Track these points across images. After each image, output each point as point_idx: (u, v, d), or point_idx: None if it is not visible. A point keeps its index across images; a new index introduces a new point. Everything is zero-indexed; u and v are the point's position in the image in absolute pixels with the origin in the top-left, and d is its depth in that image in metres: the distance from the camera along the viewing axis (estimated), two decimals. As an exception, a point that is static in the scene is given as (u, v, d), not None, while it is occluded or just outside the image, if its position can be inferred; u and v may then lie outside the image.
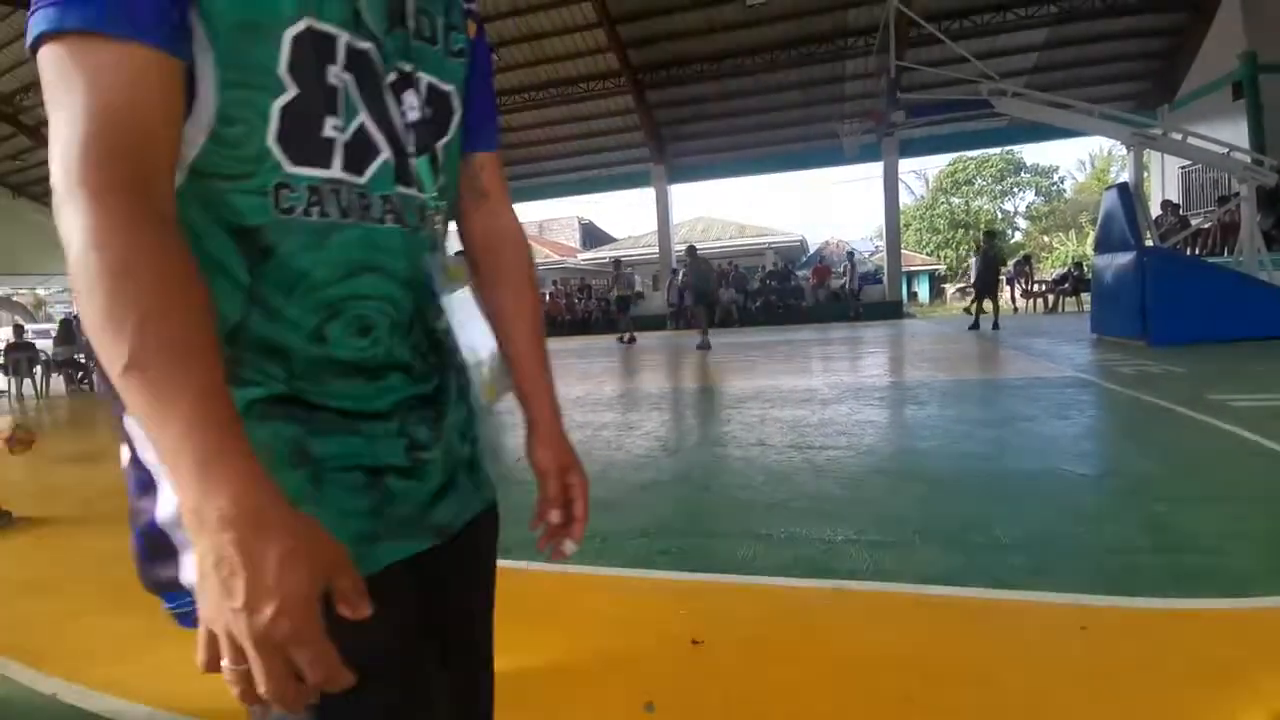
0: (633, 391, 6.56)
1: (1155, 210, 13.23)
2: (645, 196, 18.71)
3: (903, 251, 20.50)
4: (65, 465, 4.98)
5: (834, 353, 9.20)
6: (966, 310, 10.99)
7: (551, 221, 34.17)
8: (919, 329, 12.90)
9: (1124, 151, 19.94)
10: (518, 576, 2.13)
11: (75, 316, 14.48)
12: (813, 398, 5.31)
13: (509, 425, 4.07)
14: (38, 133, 18.63)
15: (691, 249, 12.33)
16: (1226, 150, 8.18)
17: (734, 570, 2.15)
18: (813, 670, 1.60)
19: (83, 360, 11.47)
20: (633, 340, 13.35)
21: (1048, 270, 25.41)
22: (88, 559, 2.75)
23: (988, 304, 11.25)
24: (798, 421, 4.39)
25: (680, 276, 14.90)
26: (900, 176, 18.05)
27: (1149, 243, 7.95)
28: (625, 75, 14.95)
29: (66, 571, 2.64)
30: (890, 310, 16.60)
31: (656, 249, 18.97)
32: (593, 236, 34.30)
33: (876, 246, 29.15)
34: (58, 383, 11.51)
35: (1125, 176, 19.50)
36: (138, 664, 1.79)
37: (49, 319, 23.41)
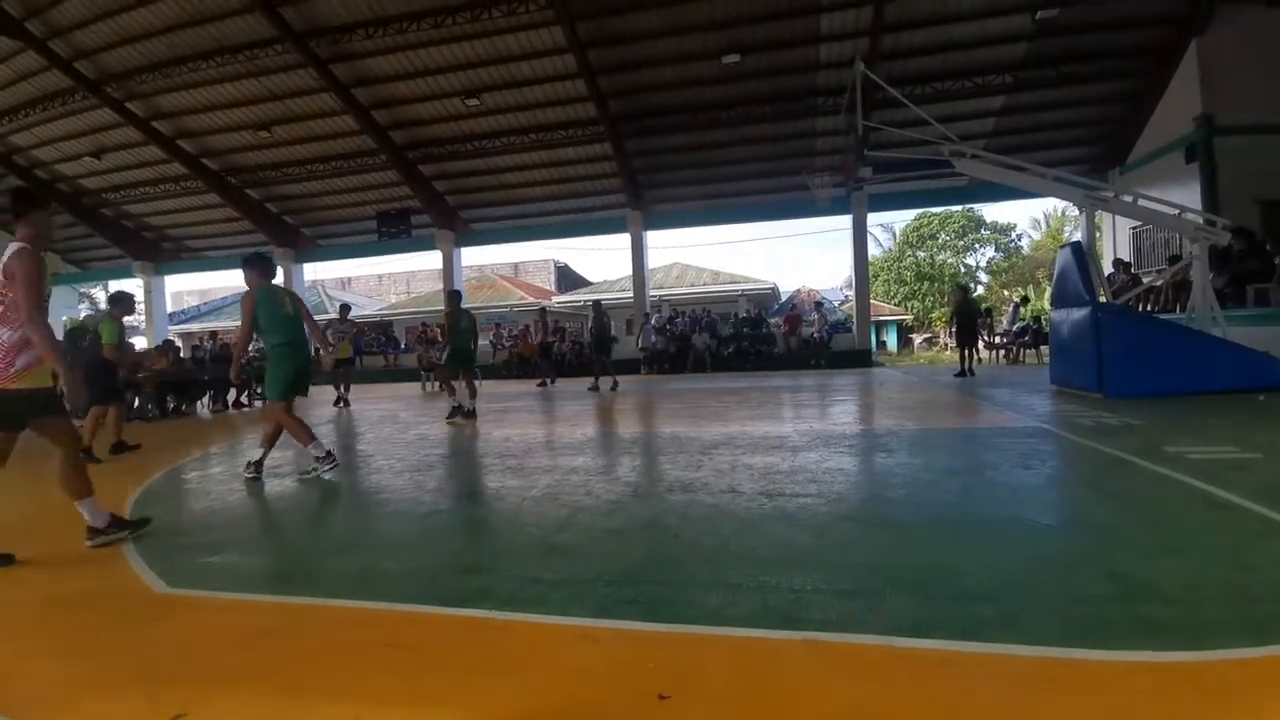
0: (605, 435, 6.51)
1: (1108, 268, 13.84)
2: (620, 241, 19.04)
3: (871, 302, 21.02)
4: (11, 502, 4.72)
5: (804, 400, 9.29)
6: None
7: (527, 263, 34.48)
8: (887, 377, 13.13)
9: (1077, 212, 20.88)
10: (481, 626, 2.08)
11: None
12: (783, 444, 5.33)
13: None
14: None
15: (597, 304, 13.08)
16: (1178, 212, 8.60)
17: (703, 620, 2.11)
18: (783, 726, 1.56)
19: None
20: (547, 384, 14.40)
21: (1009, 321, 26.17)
22: (35, 601, 2.59)
23: (970, 351, 12.10)
24: (768, 468, 4.39)
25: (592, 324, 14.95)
26: (869, 229, 18.63)
27: (1102, 299, 8.27)
28: (604, 124, 15.34)
29: (11, 615, 2.48)
30: (860, 358, 16.93)
31: (631, 294, 19.17)
32: (568, 279, 34.58)
33: (846, 296, 29.86)
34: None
35: (1079, 235, 20.41)
36: (80, 713, 1.67)
37: None
